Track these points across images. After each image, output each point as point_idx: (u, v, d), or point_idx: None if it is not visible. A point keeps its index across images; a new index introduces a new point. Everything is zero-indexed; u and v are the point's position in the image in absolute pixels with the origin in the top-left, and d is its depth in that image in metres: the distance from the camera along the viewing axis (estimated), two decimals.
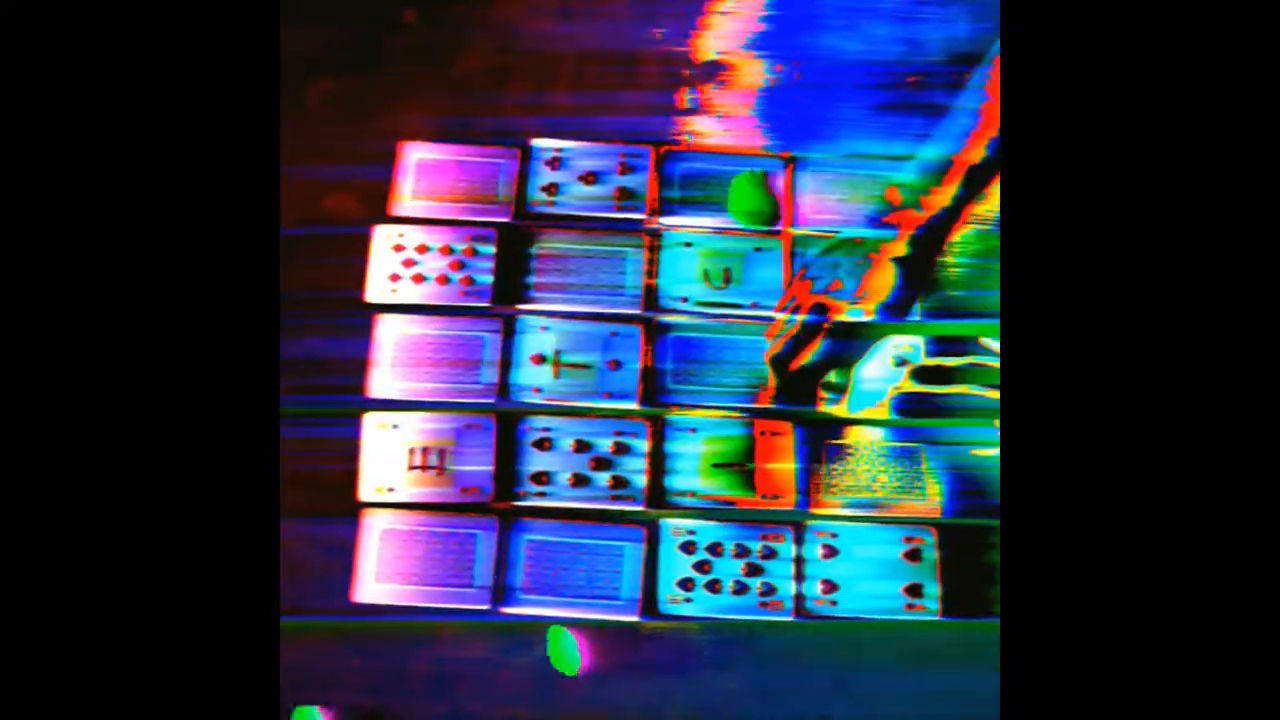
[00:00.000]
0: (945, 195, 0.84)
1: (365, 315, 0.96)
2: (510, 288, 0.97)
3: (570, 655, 0.86)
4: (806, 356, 0.87)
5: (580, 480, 0.91)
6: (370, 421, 0.92)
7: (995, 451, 0.90)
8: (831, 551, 0.89)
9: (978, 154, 0.83)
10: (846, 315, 0.85)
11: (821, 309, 0.86)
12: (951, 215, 0.85)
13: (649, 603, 0.88)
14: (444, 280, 0.97)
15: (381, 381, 0.94)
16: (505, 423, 0.92)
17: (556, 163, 1.01)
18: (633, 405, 0.93)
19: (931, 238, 0.85)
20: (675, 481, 0.91)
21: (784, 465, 0.91)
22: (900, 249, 0.85)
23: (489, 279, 0.97)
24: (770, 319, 0.93)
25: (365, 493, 0.90)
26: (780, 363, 0.89)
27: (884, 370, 0.94)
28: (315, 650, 0.86)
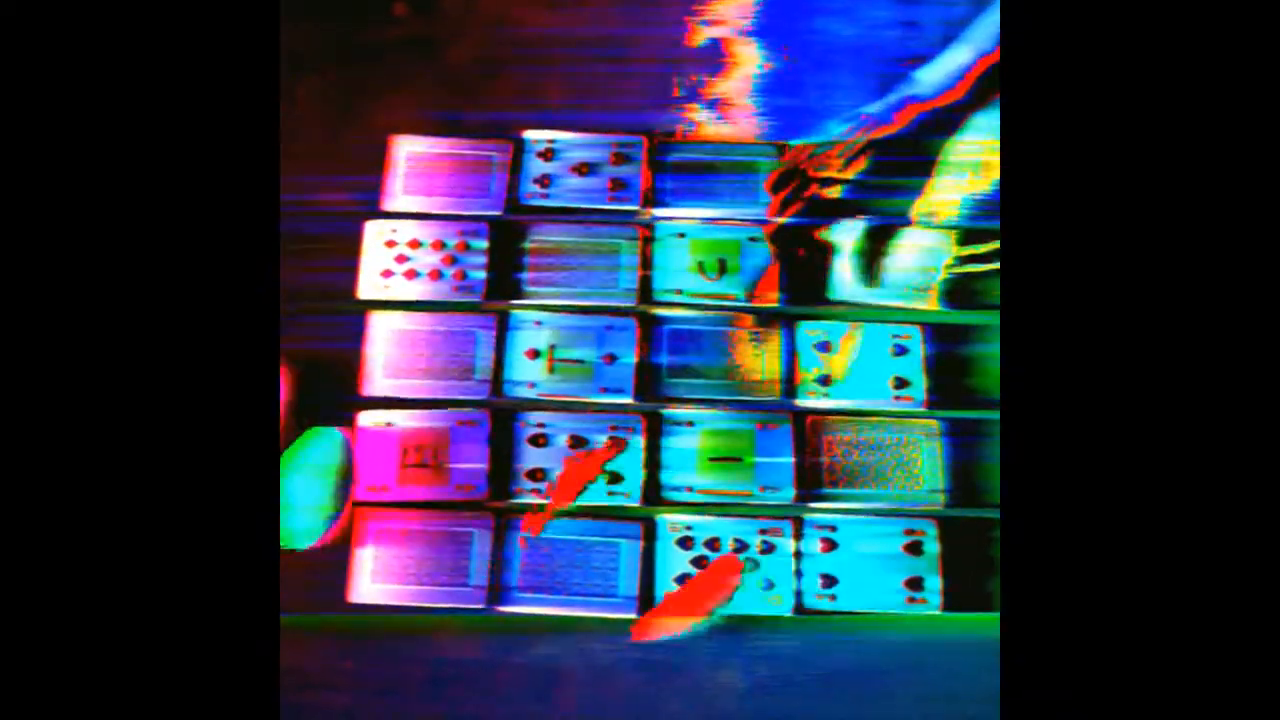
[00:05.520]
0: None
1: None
2: (503, 282, 0.96)
3: None
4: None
5: None
6: (364, 419, 0.92)
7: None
8: (830, 545, 0.88)
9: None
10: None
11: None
12: None
13: (646, 599, 0.87)
14: (436, 275, 0.96)
15: (375, 379, 0.93)
16: (500, 419, 0.92)
17: (549, 154, 0.99)
18: (628, 400, 0.92)
19: None
20: (672, 477, 0.90)
21: None
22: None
23: (482, 274, 0.96)
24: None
25: (359, 491, 0.90)
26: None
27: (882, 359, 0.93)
28: (310, 650, 0.85)
